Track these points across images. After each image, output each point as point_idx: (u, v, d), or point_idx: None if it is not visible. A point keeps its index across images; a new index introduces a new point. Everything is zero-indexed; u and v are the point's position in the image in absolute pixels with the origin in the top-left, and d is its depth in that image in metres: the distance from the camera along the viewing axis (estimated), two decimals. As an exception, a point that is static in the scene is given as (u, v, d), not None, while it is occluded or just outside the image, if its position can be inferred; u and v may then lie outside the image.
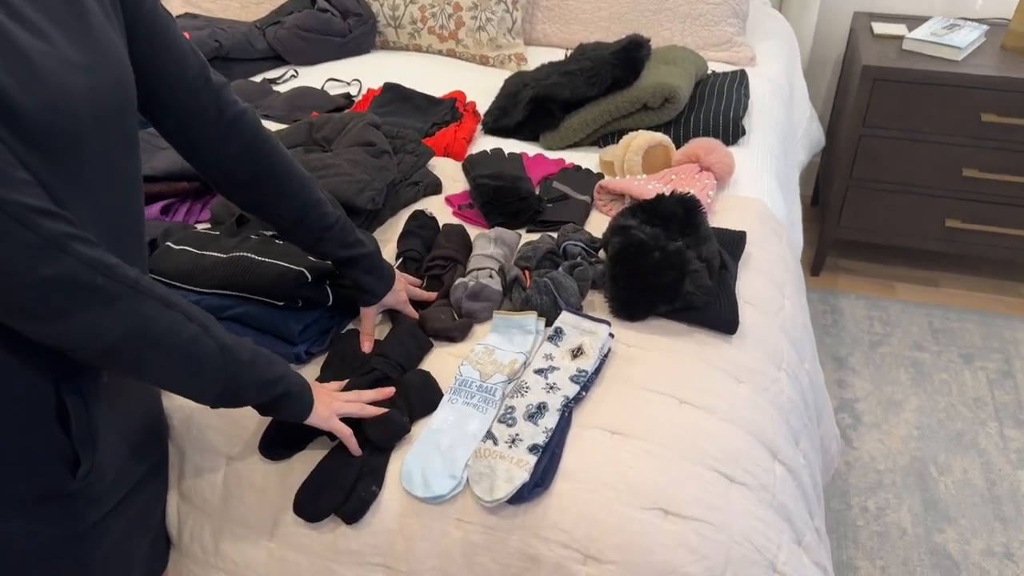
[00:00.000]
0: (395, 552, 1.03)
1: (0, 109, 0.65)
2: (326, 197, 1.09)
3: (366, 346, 1.17)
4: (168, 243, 1.26)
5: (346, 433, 1.02)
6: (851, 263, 2.84)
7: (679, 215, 1.28)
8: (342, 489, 1.02)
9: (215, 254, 1.23)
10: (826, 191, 2.75)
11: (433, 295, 1.28)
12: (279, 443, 1.07)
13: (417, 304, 1.26)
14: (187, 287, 1.20)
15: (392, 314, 1.25)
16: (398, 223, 1.48)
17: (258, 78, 2.07)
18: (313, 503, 1.02)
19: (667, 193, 1.30)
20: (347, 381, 1.12)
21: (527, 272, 1.28)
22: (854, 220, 2.62)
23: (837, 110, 2.82)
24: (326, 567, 1.05)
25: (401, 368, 1.14)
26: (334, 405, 1.02)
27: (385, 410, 1.06)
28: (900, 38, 2.52)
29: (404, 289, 1.23)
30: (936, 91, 2.34)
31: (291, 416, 0.97)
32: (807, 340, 1.38)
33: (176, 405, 1.12)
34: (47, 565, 0.87)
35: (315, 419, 0.99)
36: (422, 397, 1.10)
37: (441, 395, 1.11)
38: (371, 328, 1.18)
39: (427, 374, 1.13)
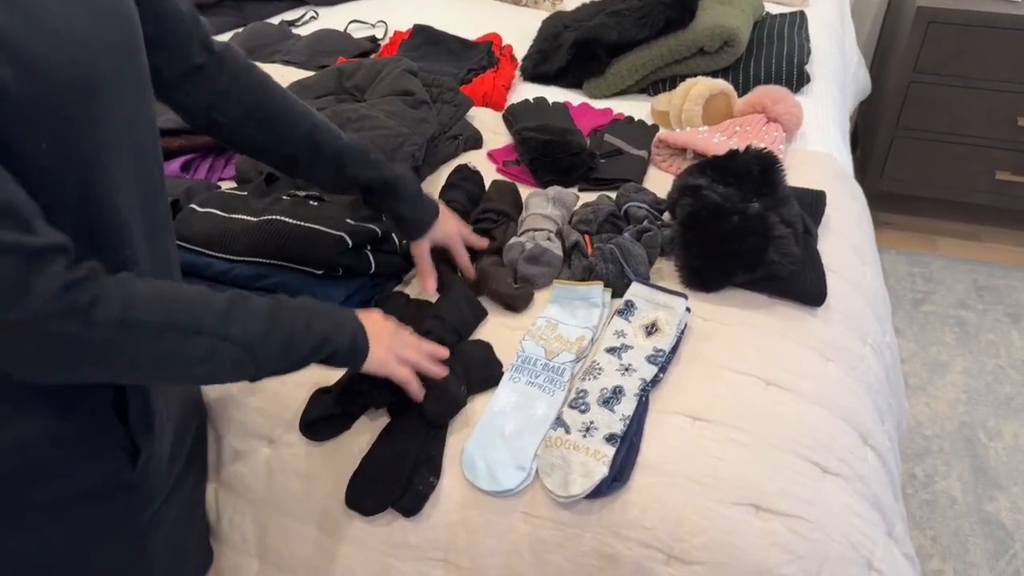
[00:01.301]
0: (456, 546, 0.94)
1: (5, 54, 0.58)
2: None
3: (429, 286, 1.08)
4: (192, 205, 1.14)
5: (406, 377, 0.92)
6: (891, 216, 2.72)
7: (755, 173, 1.16)
8: (397, 482, 0.92)
9: (245, 217, 1.11)
10: (868, 141, 2.61)
11: (486, 241, 1.17)
12: (321, 421, 0.97)
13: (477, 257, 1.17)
14: (215, 254, 1.09)
15: (442, 279, 1.14)
16: (438, 180, 1.36)
17: (275, 20, 1.92)
18: (367, 497, 0.93)
19: (740, 148, 1.18)
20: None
21: (587, 237, 1.17)
22: (898, 172, 2.50)
23: (882, 54, 2.67)
24: (382, 562, 0.96)
25: (457, 335, 1.04)
26: (395, 348, 0.91)
27: (446, 370, 0.96)
28: (956, -25, 2.35)
29: (457, 227, 1.12)
30: (994, 35, 2.19)
31: (344, 367, 0.90)
32: (886, 309, 1.27)
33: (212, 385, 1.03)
34: (111, 561, 0.83)
35: (371, 364, 0.89)
36: (482, 372, 1.00)
37: (502, 372, 1.01)
38: (428, 266, 1.08)
39: (488, 346, 1.03)
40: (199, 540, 1.00)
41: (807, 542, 0.88)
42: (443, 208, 1.11)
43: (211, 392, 1.03)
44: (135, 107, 0.73)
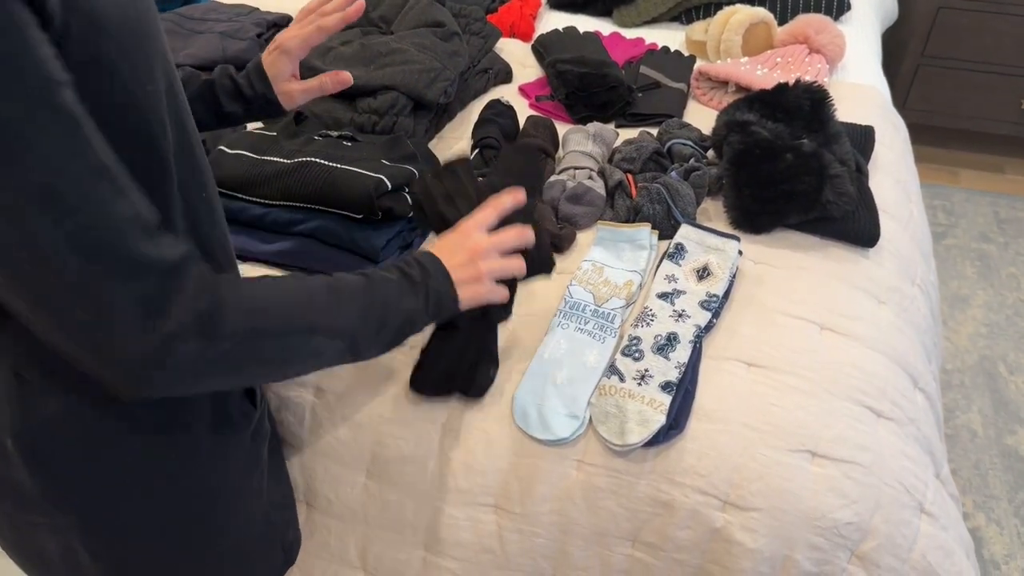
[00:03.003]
0: (508, 493, 0.94)
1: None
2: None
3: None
4: (221, 147, 1.10)
5: (501, 297, 0.85)
6: (913, 148, 2.67)
7: (805, 109, 1.11)
8: (460, 376, 0.92)
9: (277, 159, 1.07)
10: (892, 70, 2.54)
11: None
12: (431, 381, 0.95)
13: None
14: (249, 198, 1.05)
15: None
16: (470, 116, 1.31)
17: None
18: (430, 385, 0.93)
19: (788, 83, 1.13)
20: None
21: (631, 176, 1.13)
22: (922, 102, 2.44)
23: (910, -23, 2.57)
24: (431, 506, 0.96)
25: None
26: (477, 272, 0.82)
27: (522, 266, 0.86)
28: None
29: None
30: (1033, -44, 2.10)
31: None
32: (929, 247, 1.25)
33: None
34: (240, 494, 0.84)
35: (465, 307, 0.82)
36: (540, 256, 0.92)
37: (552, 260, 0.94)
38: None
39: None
40: (287, 490, 1.01)
41: (861, 487, 0.88)
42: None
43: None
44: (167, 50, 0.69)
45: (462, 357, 0.91)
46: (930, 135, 2.70)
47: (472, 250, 0.81)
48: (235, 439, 0.81)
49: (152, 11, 0.62)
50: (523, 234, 0.85)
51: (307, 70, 1.22)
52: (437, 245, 0.83)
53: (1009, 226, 2.38)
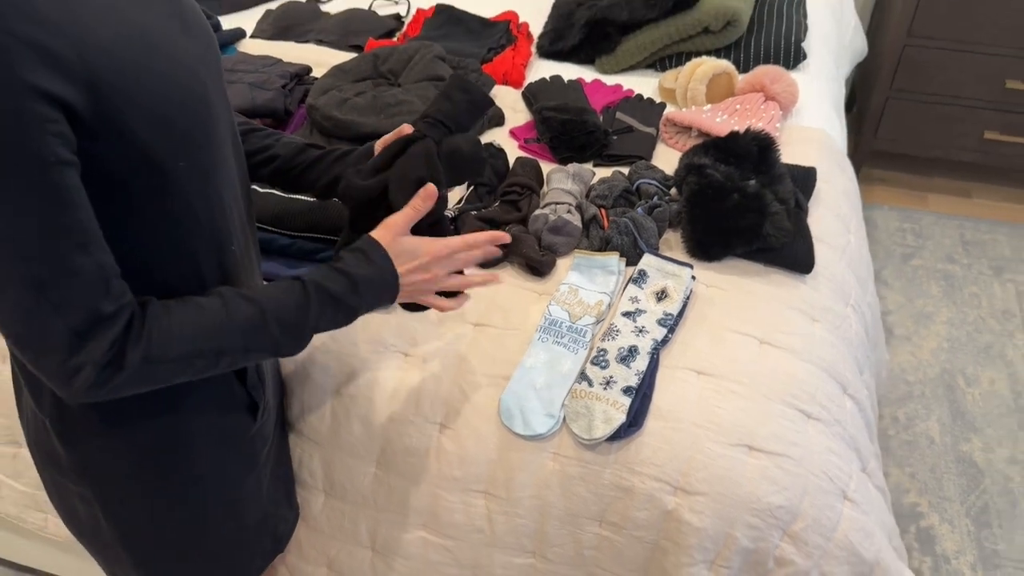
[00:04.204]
0: (496, 480, 1.11)
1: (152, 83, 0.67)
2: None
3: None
4: (254, 186, 1.28)
5: (446, 307, 0.94)
6: (884, 173, 2.85)
7: (753, 153, 1.30)
8: None
9: (304, 197, 1.25)
10: (864, 101, 2.72)
11: None
12: None
13: (503, 226, 1.28)
14: (278, 231, 1.24)
15: None
16: (466, 156, 1.50)
17: (303, -5, 2.02)
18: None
19: (740, 130, 1.32)
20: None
21: (603, 211, 1.31)
22: (891, 131, 2.62)
23: (879, 17, 2.76)
24: (431, 492, 1.14)
25: (447, 129, 0.97)
26: (432, 288, 0.91)
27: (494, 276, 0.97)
28: (952, -60, 2.43)
29: None
30: (985, 1, 2.28)
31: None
32: (868, 272, 1.42)
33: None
34: (239, 499, 0.97)
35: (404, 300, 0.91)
36: (468, 169, 0.97)
37: (483, 165, 0.99)
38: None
39: (476, 141, 0.98)
40: (288, 490, 1.15)
41: (791, 476, 1.05)
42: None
43: (279, 352, 1.19)
44: (224, 104, 0.82)
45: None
46: (900, 162, 2.88)
47: (434, 276, 0.90)
48: (234, 443, 0.92)
49: (199, 104, 0.73)
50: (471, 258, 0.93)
51: (325, 119, 1.41)
52: (400, 253, 0.88)
53: (973, 248, 2.55)
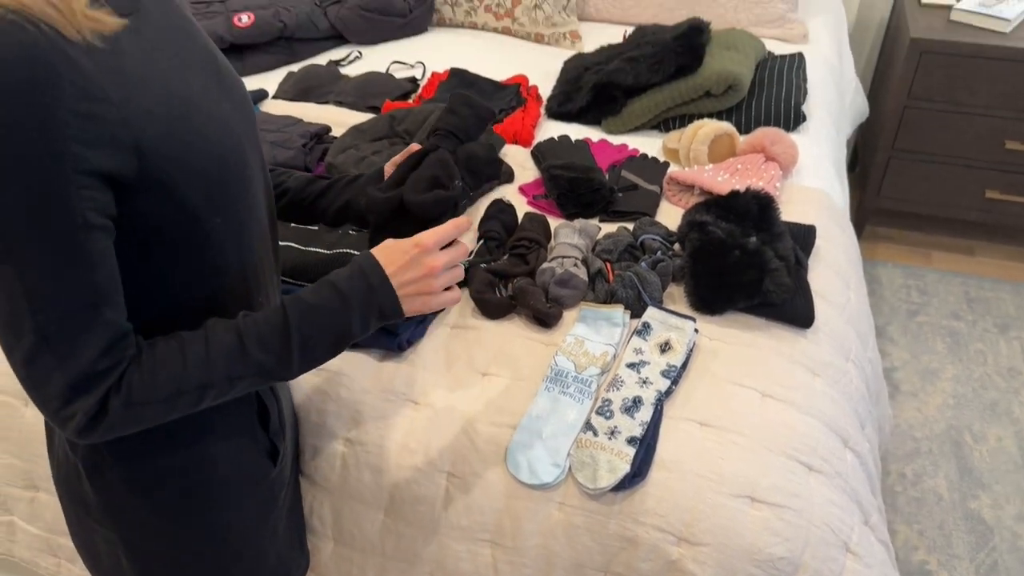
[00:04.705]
0: (502, 530, 1.13)
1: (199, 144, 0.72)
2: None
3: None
4: (272, 239, 1.34)
5: (454, 299, 0.88)
6: (888, 231, 2.89)
7: (753, 211, 1.34)
8: None
9: (319, 250, 1.31)
10: (866, 161, 2.79)
11: None
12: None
13: (512, 278, 1.32)
14: (295, 282, 1.28)
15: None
16: (476, 212, 1.55)
17: (323, 59, 2.11)
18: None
19: (741, 189, 1.37)
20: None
21: (609, 265, 1.36)
22: (894, 190, 2.67)
23: (880, 80, 2.84)
24: (438, 540, 1.16)
25: (457, 139, 1.04)
26: (435, 286, 0.85)
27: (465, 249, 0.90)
28: (948, 8, 2.52)
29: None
30: (984, 64, 2.35)
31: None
32: (869, 328, 1.45)
33: (292, 393, 1.22)
34: (257, 540, 0.99)
35: (412, 314, 0.86)
36: (486, 171, 1.07)
37: (501, 169, 1.10)
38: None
39: (490, 147, 1.09)
40: (300, 535, 1.17)
41: (793, 528, 1.07)
42: None
43: (295, 397, 1.22)
44: (259, 160, 0.86)
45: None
46: (904, 220, 2.93)
47: (429, 267, 0.83)
48: (254, 487, 0.95)
49: (236, 160, 0.78)
50: (464, 249, 0.89)
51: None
52: (388, 255, 0.84)
53: (978, 305, 2.58)
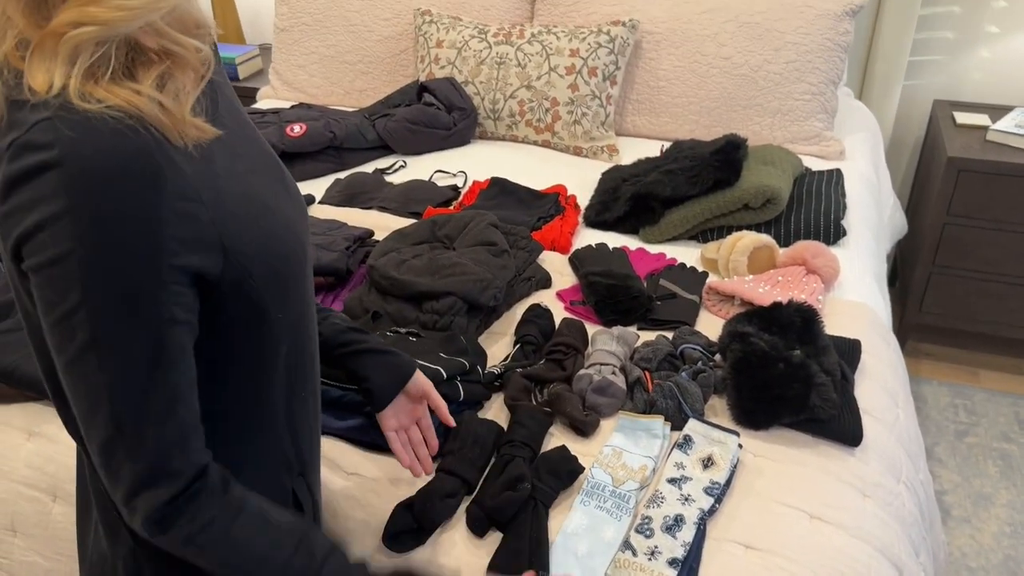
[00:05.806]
0: (533, 654, 1.06)
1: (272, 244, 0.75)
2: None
3: (405, 462, 1.10)
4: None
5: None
6: (932, 348, 2.83)
7: (797, 324, 1.32)
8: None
9: (356, 351, 1.30)
10: (907, 277, 2.76)
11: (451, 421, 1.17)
12: (404, 533, 1.11)
13: (548, 383, 1.33)
14: (331, 383, 1.28)
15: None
16: (513, 316, 1.55)
17: (369, 168, 2.19)
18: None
19: (783, 301, 1.35)
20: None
21: (647, 374, 1.33)
22: (936, 306, 2.62)
23: (917, 196, 2.85)
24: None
25: (531, 449, 1.19)
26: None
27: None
28: (984, 128, 2.55)
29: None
30: (1021, 183, 2.36)
31: None
32: (919, 448, 1.39)
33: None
34: None
35: None
36: (564, 467, 1.17)
37: (580, 466, 1.18)
38: (399, 446, 1.10)
39: (563, 447, 1.20)
40: None
41: (849, 664, 0.99)
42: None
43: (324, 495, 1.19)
44: (311, 260, 0.89)
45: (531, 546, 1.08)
46: (949, 336, 2.86)
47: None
48: None
49: (298, 259, 0.81)
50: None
51: (383, 278, 1.49)
52: None
53: (1030, 427, 2.47)
